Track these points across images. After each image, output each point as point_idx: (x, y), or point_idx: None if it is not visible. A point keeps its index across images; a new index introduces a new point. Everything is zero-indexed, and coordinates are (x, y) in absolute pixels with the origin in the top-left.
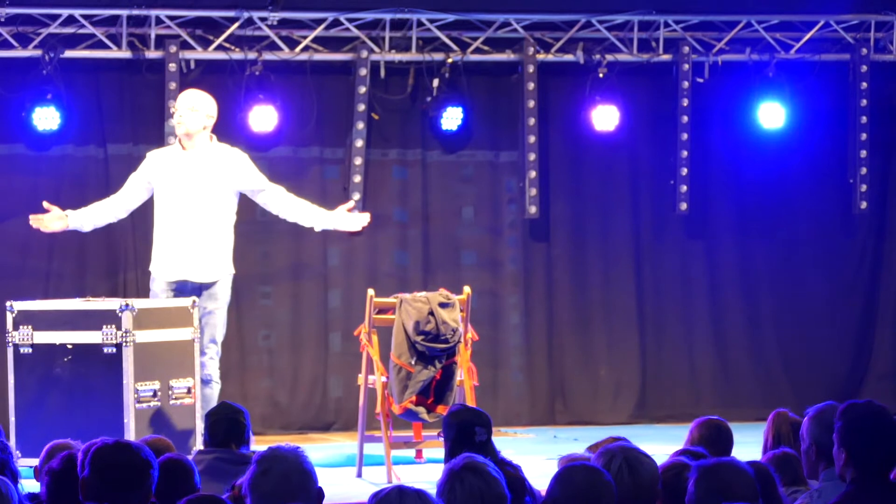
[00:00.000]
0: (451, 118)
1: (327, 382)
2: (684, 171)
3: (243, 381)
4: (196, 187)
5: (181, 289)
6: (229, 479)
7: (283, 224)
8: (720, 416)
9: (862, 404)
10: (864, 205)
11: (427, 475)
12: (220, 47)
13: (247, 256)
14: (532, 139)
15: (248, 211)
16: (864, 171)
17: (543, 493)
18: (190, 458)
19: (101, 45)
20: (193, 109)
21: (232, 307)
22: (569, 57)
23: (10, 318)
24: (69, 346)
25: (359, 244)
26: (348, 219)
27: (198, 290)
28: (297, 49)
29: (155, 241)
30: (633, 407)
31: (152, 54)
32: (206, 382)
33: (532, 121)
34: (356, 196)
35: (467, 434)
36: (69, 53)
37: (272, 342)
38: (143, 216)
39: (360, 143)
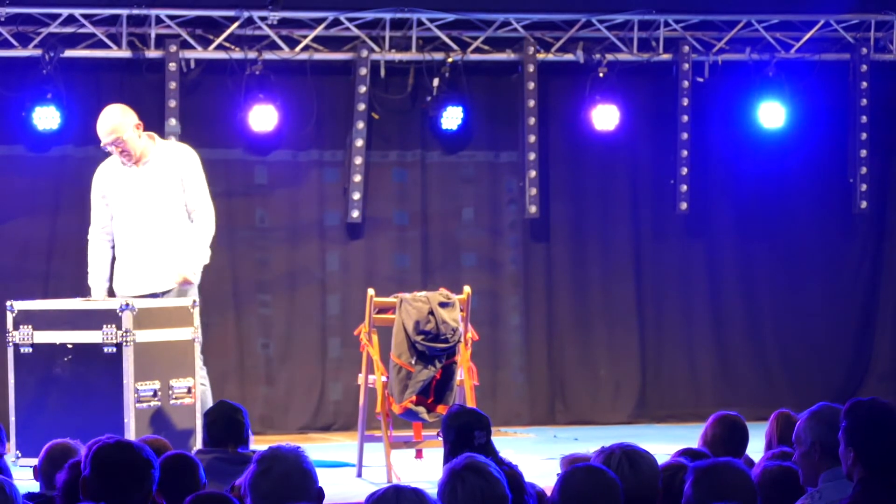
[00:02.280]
0: (451, 118)
1: (326, 387)
2: (684, 170)
3: (242, 385)
4: (142, 197)
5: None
6: (229, 479)
7: (281, 230)
8: None
9: (867, 402)
10: (864, 205)
11: (427, 475)
12: (220, 47)
13: (245, 262)
14: (532, 139)
15: (247, 217)
16: (864, 170)
17: (545, 492)
18: None
19: (101, 45)
20: (119, 139)
21: (231, 312)
22: (569, 56)
23: (10, 317)
24: (69, 346)
25: (358, 248)
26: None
27: (161, 295)
28: (297, 49)
29: (117, 257)
30: (633, 407)
31: (152, 54)
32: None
33: (532, 120)
34: (356, 195)
35: (466, 437)
36: (69, 53)
37: (271, 349)
38: None
39: (360, 142)
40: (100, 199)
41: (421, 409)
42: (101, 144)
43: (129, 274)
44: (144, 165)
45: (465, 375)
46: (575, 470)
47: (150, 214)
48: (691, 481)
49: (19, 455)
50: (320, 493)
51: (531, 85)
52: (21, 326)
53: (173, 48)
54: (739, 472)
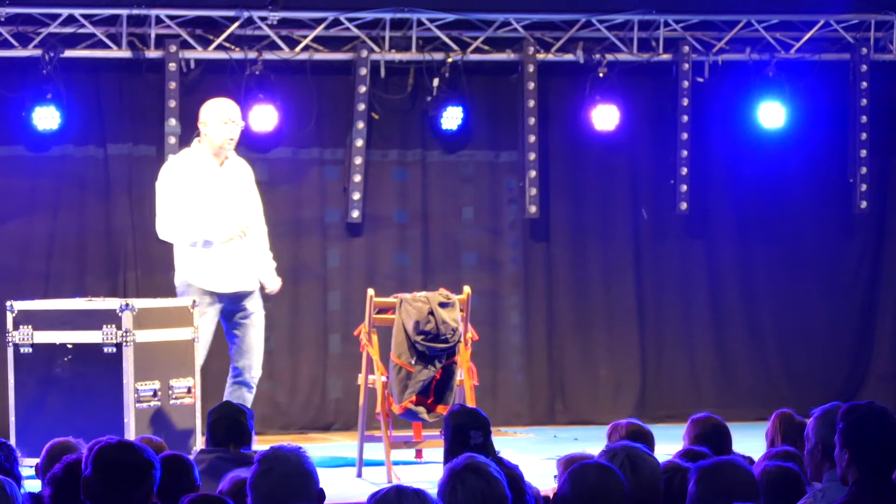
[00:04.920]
0: (451, 118)
1: (327, 384)
2: (684, 170)
3: None
4: (237, 196)
5: (235, 298)
6: None
7: (283, 226)
8: (720, 415)
9: (864, 406)
10: (864, 205)
11: (427, 475)
12: (220, 47)
13: None
14: (532, 139)
15: None
16: (864, 170)
17: (543, 492)
18: (191, 457)
19: (101, 45)
20: (239, 123)
21: None
22: (569, 56)
23: (10, 317)
24: (69, 346)
25: (359, 246)
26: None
27: (244, 296)
28: (297, 49)
29: (205, 254)
30: (633, 407)
31: (152, 54)
32: (248, 386)
33: (532, 120)
34: (356, 196)
35: (463, 437)
36: (69, 53)
37: (272, 344)
38: (142, 215)
39: (360, 142)
40: (185, 192)
41: (421, 409)
42: (235, 121)
43: (226, 271)
44: (224, 166)
45: (465, 375)
46: (586, 466)
47: (245, 214)
48: (695, 479)
49: (19, 455)
50: (321, 494)
51: (531, 85)
52: (21, 326)
53: (173, 48)
54: (742, 469)
